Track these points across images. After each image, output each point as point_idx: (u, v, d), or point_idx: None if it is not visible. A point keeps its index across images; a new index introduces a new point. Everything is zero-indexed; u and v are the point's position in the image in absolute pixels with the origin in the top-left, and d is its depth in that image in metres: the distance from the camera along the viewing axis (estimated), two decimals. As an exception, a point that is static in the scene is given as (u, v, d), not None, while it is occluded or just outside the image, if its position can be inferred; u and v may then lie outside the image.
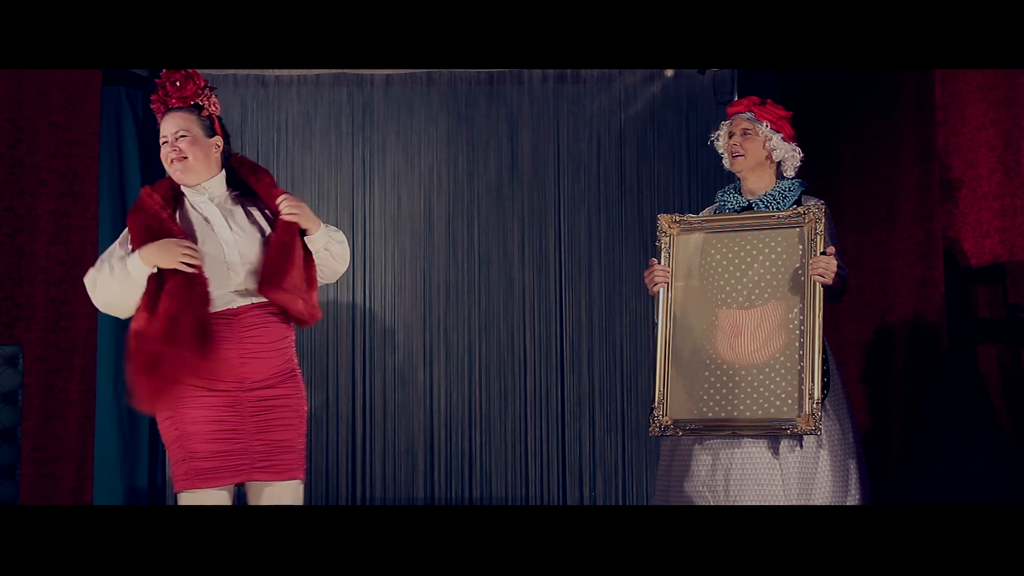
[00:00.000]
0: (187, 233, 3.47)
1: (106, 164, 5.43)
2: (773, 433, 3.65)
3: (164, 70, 3.56)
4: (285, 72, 5.71)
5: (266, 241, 3.52)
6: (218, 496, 3.38)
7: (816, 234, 3.69)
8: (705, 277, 3.84)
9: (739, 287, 3.78)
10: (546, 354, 5.76)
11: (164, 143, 3.53)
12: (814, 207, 3.73)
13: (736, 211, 3.88)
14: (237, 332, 3.42)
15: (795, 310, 3.70)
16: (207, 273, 3.41)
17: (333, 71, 5.73)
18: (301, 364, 3.66)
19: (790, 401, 3.65)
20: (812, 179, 4.01)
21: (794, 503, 3.62)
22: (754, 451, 3.68)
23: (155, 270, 3.40)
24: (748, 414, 3.68)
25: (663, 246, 3.90)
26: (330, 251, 3.61)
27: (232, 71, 5.63)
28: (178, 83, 3.52)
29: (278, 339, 3.50)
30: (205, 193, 3.55)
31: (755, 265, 3.78)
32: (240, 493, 3.53)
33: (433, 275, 5.76)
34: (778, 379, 3.67)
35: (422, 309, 5.75)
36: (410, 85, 5.81)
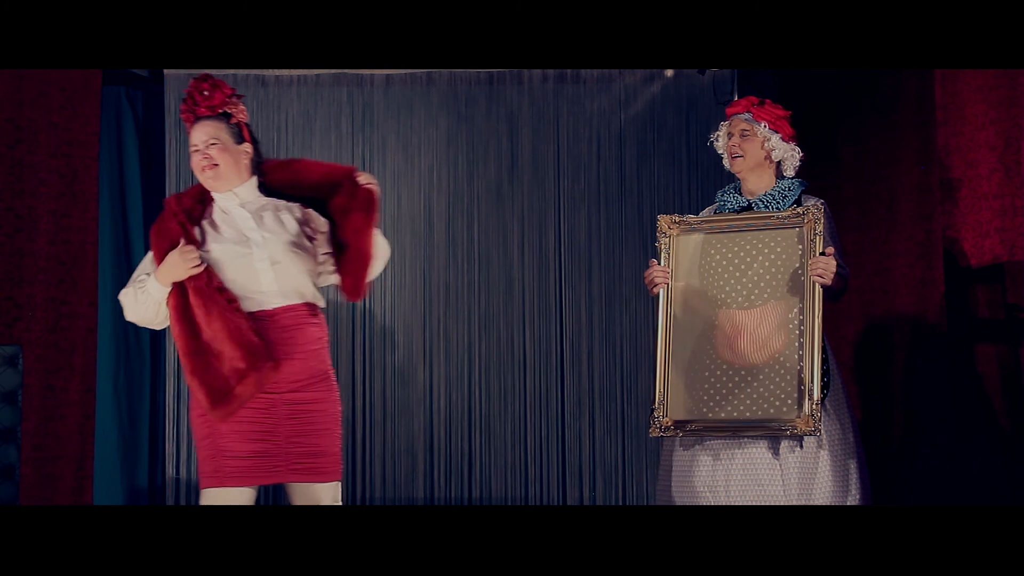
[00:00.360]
0: (209, 238, 3.53)
1: (106, 164, 5.43)
2: (773, 433, 3.65)
3: (192, 80, 3.60)
4: (285, 72, 5.71)
5: (340, 244, 3.59)
6: (242, 496, 3.42)
7: (816, 234, 3.69)
8: (705, 277, 3.84)
9: (739, 287, 3.78)
10: (546, 354, 5.76)
11: (195, 151, 3.58)
12: (814, 207, 3.73)
13: (736, 211, 3.88)
14: (272, 334, 3.47)
15: (795, 310, 3.70)
16: (238, 278, 3.47)
17: (333, 71, 5.73)
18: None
19: (790, 401, 3.65)
20: (812, 179, 4.01)
21: (794, 503, 3.62)
22: (754, 451, 3.68)
23: (170, 287, 3.48)
24: (748, 414, 3.68)
25: (663, 246, 3.90)
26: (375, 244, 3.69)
27: (232, 71, 5.62)
28: (206, 92, 3.57)
29: (312, 341, 3.56)
30: (236, 199, 3.60)
31: (755, 265, 3.78)
32: (267, 493, 3.56)
33: (433, 275, 5.76)
34: (778, 379, 3.67)
35: (422, 309, 5.75)
36: (410, 85, 5.81)
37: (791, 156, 3.91)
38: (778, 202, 3.83)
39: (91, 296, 5.09)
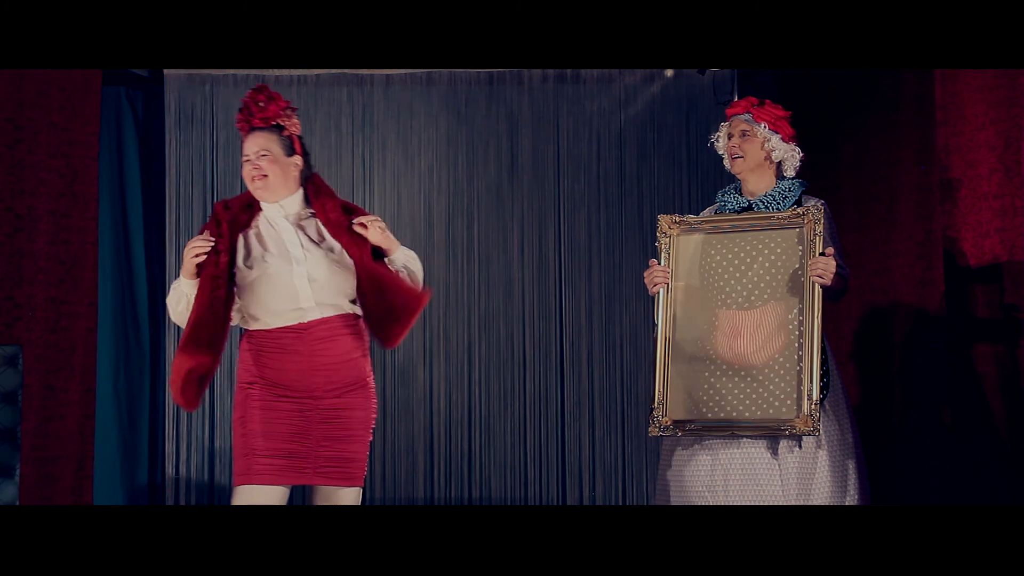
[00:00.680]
0: (255, 254, 3.59)
1: (106, 164, 5.43)
2: (772, 434, 3.65)
3: (249, 91, 3.66)
4: (285, 72, 5.71)
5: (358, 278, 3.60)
6: (272, 494, 3.47)
7: (815, 235, 3.68)
8: (705, 278, 3.84)
9: (739, 288, 3.78)
10: (546, 354, 5.77)
11: (246, 161, 3.63)
12: (813, 208, 3.73)
13: (736, 211, 3.88)
14: (306, 345, 3.53)
15: (794, 311, 3.70)
16: (279, 295, 3.53)
17: (333, 71, 5.73)
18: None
19: (789, 402, 3.64)
20: (812, 179, 4.01)
21: (793, 503, 3.62)
22: (753, 451, 3.68)
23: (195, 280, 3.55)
24: (747, 415, 3.68)
25: (663, 247, 3.90)
26: (408, 268, 3.69)
27: (232, 71, 5.63)
28: (262, 103, 3.62)
29: (345, 352, 3.59)
30: (282, 211, 3.65)
31: (755, 266, 3.77)
32: (297, 493, 3.61)
33: (433, 275, 5.76)
34: (777, 380, 3.67)
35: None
36: (410, 85, 5.81)
37: (791, 156, 3.91)
38: (778, 203, 3.82)
39: (91, 296, 5.09)
